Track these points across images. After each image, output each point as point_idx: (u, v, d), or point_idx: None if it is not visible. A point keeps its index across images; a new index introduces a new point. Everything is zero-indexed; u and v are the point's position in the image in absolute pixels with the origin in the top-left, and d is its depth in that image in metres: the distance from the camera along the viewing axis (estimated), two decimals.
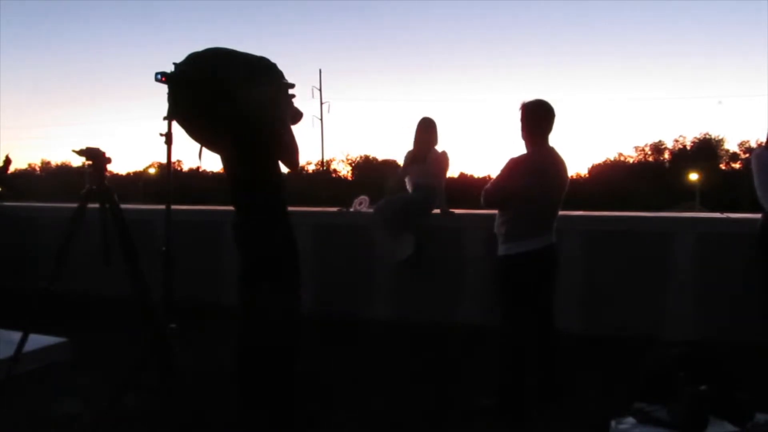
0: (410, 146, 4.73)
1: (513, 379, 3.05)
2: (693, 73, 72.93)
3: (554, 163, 3.13)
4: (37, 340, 3.11)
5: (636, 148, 56.15)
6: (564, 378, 3.24)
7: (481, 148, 73.58)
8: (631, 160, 55.58)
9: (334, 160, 53.94)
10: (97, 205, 2.78)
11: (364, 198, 5.27)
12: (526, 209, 3.06)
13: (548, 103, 3.13)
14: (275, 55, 3.09)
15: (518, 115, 3.13)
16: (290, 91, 3.03)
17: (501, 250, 3.15)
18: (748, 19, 68.61)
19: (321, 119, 36.46)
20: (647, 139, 66.58)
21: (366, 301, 4.97)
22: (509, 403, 3.03)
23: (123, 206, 2.82)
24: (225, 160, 3.01)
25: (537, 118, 3.09)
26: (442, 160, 4.66)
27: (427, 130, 4.65)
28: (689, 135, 55.90)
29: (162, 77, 2.75)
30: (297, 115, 3.11)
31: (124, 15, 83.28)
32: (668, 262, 4.32)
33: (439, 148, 4.68)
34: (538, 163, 3.07)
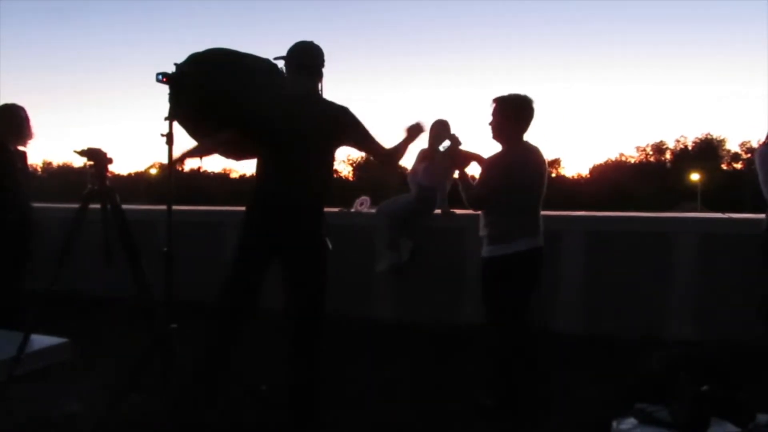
0: (423, 145, 4.74)
1: (511, 380, 3.04)
2: (694, 73, 72.84)
3: (533, 159, 3.03)
4: (39, 341, 3.10)
5: (637, 148, 56.31)
6: (549, 379, 3.23)
7: (481, 148, 73.48)
8: (632, 161, 55.59)
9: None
10: (98, 206, 2.78)
11: (365, 198, 5.27)
12: (507, 209, 2.99)
13: (526, 97, 3.00)
14: (276, 55, 3.10)
15: (491, 109, 3.00)
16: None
17: (484, 251, 3.08)
18: (751, 19, 68.50)
19: None
20: (649, 139, 66.65)
21: (366, 301, 4.96)
22: (508, 403, 3.02)
23: (124, 206, 2.82)
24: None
25: (513, 113, 2.98)
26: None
27: (438, 131, 4.65)
28: (691, 135, 55.96)
29: (163, 78, 2.76)
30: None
31: (126, 15, 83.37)
32: (669, 263, 4.31)
33: None
34: (516, 160, 2.98)
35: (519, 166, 2.98)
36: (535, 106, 3.00)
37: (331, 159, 3.01)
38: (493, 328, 3.11)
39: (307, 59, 2.93)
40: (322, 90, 2.96)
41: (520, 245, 2.98)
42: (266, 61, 3.09)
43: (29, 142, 3.97)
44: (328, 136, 2.90)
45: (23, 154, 3.97)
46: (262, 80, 2.99)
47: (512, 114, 2.98)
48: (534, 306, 3.14)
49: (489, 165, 3.05)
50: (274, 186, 2.87)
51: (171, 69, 2.81)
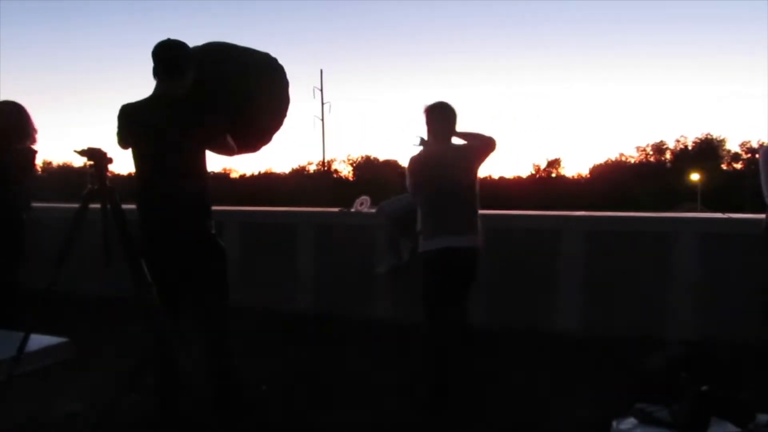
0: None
1: (433, 375, 3.14)
2: (694, 73, 72.87)
3: (445, 160, 3.16)
4: (39, 340, 3.10)
5: (637, 148, 56.29)
6: (485, 378, 3.37)
7: None
8: (632, 161, 55.59)
9: (335, 160, 53.94)
10: (98, 206, 2.78)
11: (365, 198, 5.27)
12: (427, 207, 3.17)
13: (445, 103, 3.19)
14: (276, 55, 3.10)
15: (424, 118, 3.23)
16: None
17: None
18: (751, 19, 68.53)
19: (322, 119, 36.41)
20: (649, 139, 66.67)
21: (366, 301, 4.96)
22: (431, 397, 3.09)
23: (124, 206, 2.81)
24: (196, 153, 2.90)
25: (434, 118, 3.18)
26: None
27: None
28: (691, 135, 55.95)
29: None
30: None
31: (126, 15, 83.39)
32: (669, 263, 4.31)
33: None
34: (427, 160, 3.18)
35: (423, 167, 3.18)
36: (450, 108, 3.18)
37: (196, 158, 2.90)
38: (424, 324, 3.23)
39: (161, 57, 2.81)
40: (185, 86, 2.83)
41: (431, 244, 3.11)
42: (264, 57, 3.08)
43: (36, 136, 3.87)
44: (183, 135, 2.82)
45: (29, 152, 3.88)
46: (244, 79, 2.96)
47: (428, 118, 3.21)
48: (453, 304, 3.24)
49: (408, 164, 3.26)
50: (140, 188, 2.90)
51: None
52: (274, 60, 3.13)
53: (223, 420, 2.93)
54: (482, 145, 3.20)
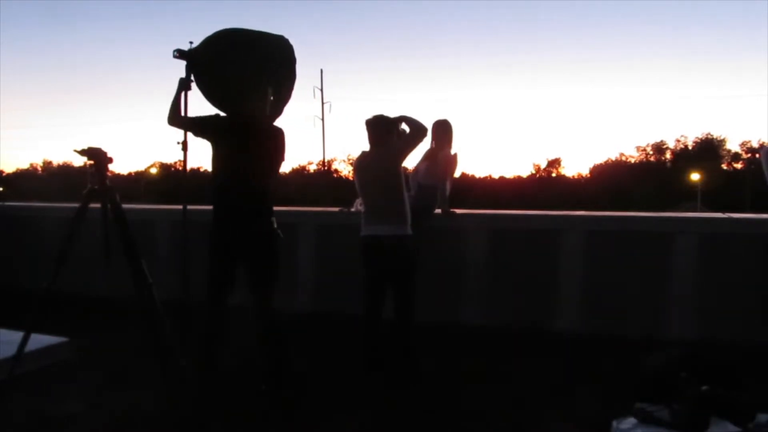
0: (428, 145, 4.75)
1: (363, 347, 3.60)
2: (695, 73, 72.94)
3: (366, 161, 3.67)
4: (39, 340, 3.11)
5: (638, 147, 56.13)
6: (422, 368, 3.53)
7: (482, 147, 73.65)
8: (632, 160, 55.55)
9: (335, 160, 53.87)
10: (98, 205, 2.78)
11: None
12: (362, 200, 3.74)
13: (375, 116, 3.66)
14: None
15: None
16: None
17: None
18: (752, 18, 68.56)
19: (322, 119, 36.39)
20: (649, 139, 66.64)
21: None
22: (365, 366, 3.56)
23: (124, 206, 2.82)
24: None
25: (367, 129, 3.68)
26: (450, 161, 4.66)
27: (440, 131, 4.66)
28: (691, 135, 55.90)
29: (177, 53, 3.09)
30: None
31: (126, 14, 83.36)
32: (669, 262, 4.31)
33: (452, 149, 4.69)
34: (356, 162, 3.80)
35: (355, 167, 3.82)
36: (367, 122, 3.67)
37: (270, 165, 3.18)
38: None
39: None
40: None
41: (367, 230, 3.59)
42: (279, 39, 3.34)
43: None
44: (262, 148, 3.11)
45: None
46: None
47: (367, 129, 3.70)
48: (408, 296, 3.53)
49: None
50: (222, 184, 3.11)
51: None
52: (287, 40, 3.42)
53: (224, 420, 2.94)
54: (404, 144, 3.62)
